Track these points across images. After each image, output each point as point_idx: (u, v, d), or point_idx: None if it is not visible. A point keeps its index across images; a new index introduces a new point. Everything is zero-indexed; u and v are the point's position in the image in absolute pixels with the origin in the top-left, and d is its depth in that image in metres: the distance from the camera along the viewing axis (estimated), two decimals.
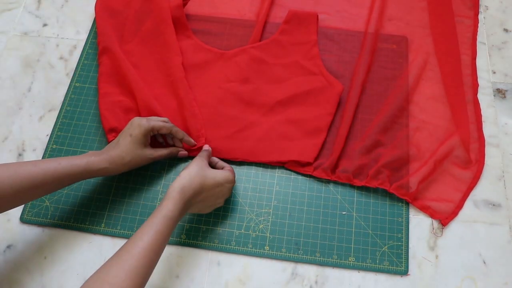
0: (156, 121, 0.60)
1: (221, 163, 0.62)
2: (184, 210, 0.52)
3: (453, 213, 0.62)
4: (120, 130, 0.64)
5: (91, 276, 0.45)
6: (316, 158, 0.64)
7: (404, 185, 0.62)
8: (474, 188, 0.64)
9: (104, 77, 0.69)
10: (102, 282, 0.44)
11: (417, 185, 0.62)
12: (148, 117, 0.61)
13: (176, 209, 0.51)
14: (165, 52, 0.71)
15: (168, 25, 0.71)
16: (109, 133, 0.65)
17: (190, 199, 0.53)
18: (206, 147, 0.63)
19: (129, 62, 0.69)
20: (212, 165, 0.62)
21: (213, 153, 0.65)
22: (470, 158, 0.65)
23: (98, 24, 0.74)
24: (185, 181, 0.53)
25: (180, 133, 0.63)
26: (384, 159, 0.63)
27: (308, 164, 0.64)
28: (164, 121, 0.62)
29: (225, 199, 0.59)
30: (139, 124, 0.59)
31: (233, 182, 0.59)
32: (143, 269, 0.45)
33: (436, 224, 0.62)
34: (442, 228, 0.61)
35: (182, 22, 0.73)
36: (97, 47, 0.73)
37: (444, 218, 0.61)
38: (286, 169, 0.65)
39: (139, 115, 0.67)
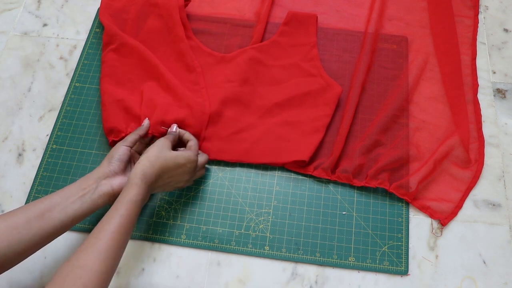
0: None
1: (187, 135, 0.63)
2: (147, 194, 0.54)
3: (453, 213, 0.62)
4: (119, 131, 0.64)
5: (62, 264, 0.45)
6: (312, 157, 0.64)
7: (404, 185, 0.62)
8: (474, 188, 0.64)
9: (107, 78, 0.69)
10: (72, 266, 0.44)
11: (416, 185, 0.62)
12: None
13: (139, 193, 0.52)
14: (178, 49, 0.71)
15: (177, 24, 0.71)
16: (109, 134, 0.65)
17: (153, 183, 0.54)
18: (173, 128, 0.62)
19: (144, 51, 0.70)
20: (180, 137, 0.63)
21: (207, 153, 0.64)
22: (470, 158, 0.65)
23: (104, 22, 0.73)
24: (145, 167, 0.53)
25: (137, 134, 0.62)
26: (384, 159, 0.63)
27: (303, 162, 0.64)
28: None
29: (189, 178, 0.59)
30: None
31: (194, 162, 0.58)
32: (112, 251, 0.47)
33: (435, 224, 0.62)
34: (442, 228, 0.61)
35: (183, 23, 0.73)
36: (100, 46, 0.73)
37: (443, 218, 0.61)
38: (286, 169, 0.65)
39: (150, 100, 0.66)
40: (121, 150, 0.58)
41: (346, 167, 0.63)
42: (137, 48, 0.70)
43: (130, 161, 0.59)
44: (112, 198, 0.55)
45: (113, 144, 0.66)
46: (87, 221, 0.62)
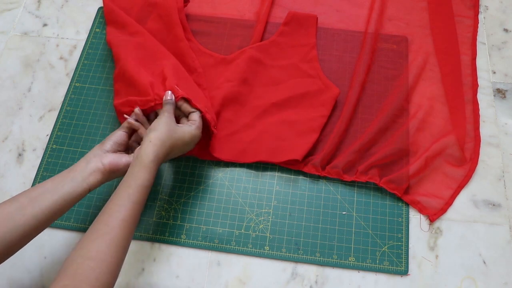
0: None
1: (185, 106, 0.58)
2: (155, 175, 0.53)
3: (442, 210, 0.62)
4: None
5: (71, 253, 0.44)
6: (305, 156, 0.64)
7: (394, 179, 0.62)
8: (474, 188, 0.64)
9: (129, 57, 0.66)
10: (83, 257, 0.43)
11: (407, 180, 0.62)
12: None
13: (152, 177, 0.51)
14: (178, 50, 0.70)
15: (176, 24, 0.70)
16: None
17: (161, 162, 0.54)
18: (168, 96, 0.57)
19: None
20: (177, 107, 0.59)
21: (203, 153, 0.64)
22: (465, 156, 0.65)
23: (108, 17, 0.72)
24: (157, 147, 0.52)
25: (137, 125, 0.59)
26: (377, 155, 0.63)
27: (297, 161, 0.64)
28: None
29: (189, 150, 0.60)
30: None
31: (198, 136, 0.58)
32: (123, 241, 0.46)
33: (424, 219, 0.62)
34: (430, 224, 0.61)
35: (183, 25, 0.73)
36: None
37: (432, 214, 0.61)
38: (286, 169, 0.65)
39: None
40: (117, 133, 0.58)
41: (336, 163, 0.63)
42: (148, 38, 0.69)
43: (127, 147, 0.59)
44: (103, 175, 0.53)
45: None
46: (88, 221, 0.62)
